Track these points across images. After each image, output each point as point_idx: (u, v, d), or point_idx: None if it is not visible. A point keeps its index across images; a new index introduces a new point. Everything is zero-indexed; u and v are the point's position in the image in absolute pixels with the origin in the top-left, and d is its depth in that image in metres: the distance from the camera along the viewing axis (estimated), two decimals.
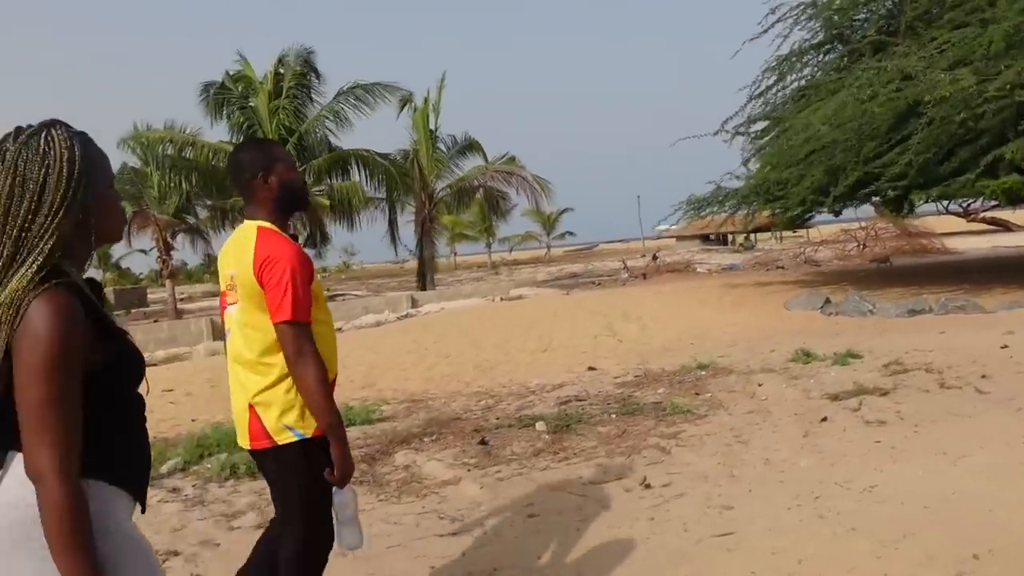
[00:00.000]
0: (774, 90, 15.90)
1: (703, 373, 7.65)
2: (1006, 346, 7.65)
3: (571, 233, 72.48)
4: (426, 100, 26.17)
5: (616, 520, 4.17)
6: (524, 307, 16.86)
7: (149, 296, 46.22)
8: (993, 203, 19.02)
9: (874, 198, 14.15)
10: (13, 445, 1.52)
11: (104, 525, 1.52)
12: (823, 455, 4.92)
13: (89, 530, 1.45)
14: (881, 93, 11.54)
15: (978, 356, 7.23)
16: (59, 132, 1.57)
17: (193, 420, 8.21)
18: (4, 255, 1.50)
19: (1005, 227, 37.53)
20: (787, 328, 11.70)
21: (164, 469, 5.75)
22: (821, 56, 17.24)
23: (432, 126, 26.27)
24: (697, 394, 6.77)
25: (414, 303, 20.47)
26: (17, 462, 1.52)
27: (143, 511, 1.72)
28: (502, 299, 19.27)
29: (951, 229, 42.00)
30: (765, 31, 16.50)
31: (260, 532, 4.38)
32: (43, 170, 1.52)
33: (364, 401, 7.97)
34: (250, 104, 22.95)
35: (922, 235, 29.34)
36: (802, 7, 16.25)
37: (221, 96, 22.59)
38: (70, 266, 1.58)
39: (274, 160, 2.64)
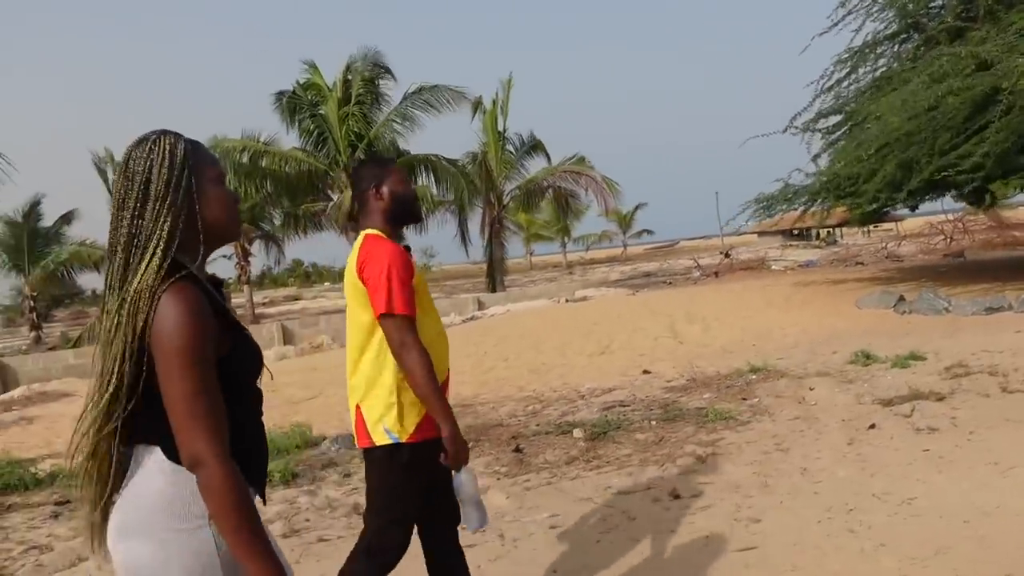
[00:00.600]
0: (845, 83, 15.32)
1: (754, 377, 7.42)
2: None
3: (648, 231, 71.43)
4: (495, 102, 26.23)
5: (638, 532, 4.06)
6: (587, 308, 16.70)
7: (233, 301, 47.51)
8: None
9: (953, 191, 13.50)
10: (151, 438, 1.57)
11: None
12: (864, 465, 4.70)
13: (253, 505, 1.52)
14: (955, 81, 11.00)
15: None
16: (167, 135, 1.66)
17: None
18: (123, 244, 1.58)
19: None
20: (855, 328, 11.29)
21: None
22: (896, 47, 16.56)
23: (500, 127, 26.31)
24: (744, 399, 6.56)
25: (480, 305, 20.51)
26: (145, 453, 1.58)
27: (264, 502, 1.76)
28: (567, 300, 19.13)
29: None
30: (835, 25, 15.93)
31: (284, 541, 4.45)
32: (147, 162, 1.60)
33: None
34: (320, 112, 23.36)
35: (1015, 227, 27.92)
36: None
37: (293, 104, 23.04)
38: (188, 262, 1.63)
39: (387, 174, 2.80)
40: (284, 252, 32.93)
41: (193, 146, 1.67)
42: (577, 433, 5.93)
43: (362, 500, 4.94)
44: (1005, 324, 9.80)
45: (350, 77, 23.60)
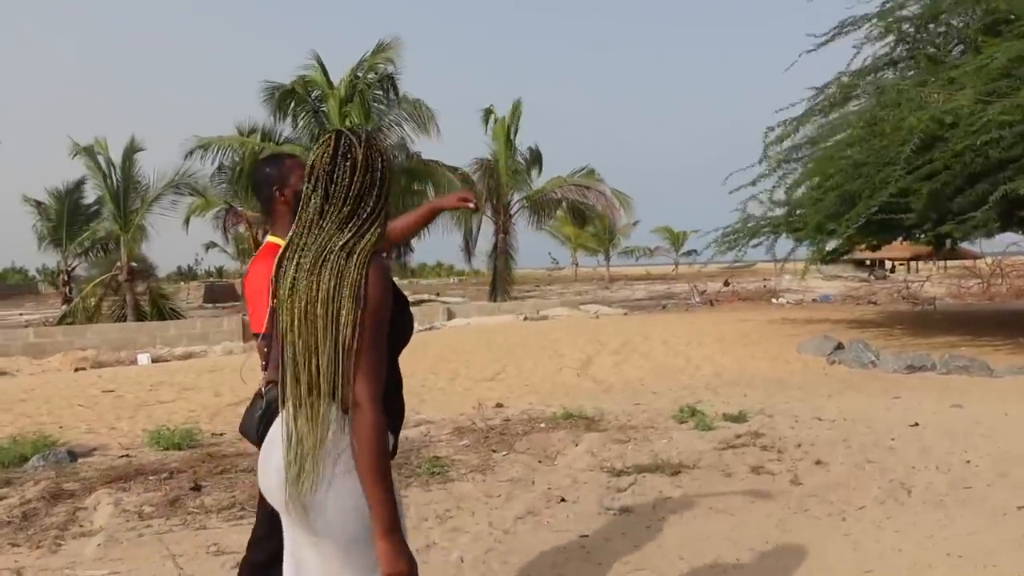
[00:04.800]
0: (820, 111, 14.15)
1: (543, 425, 6.76)
2: (916, 424, 6.35)
3: (695, 251, 69.18)
4: (513, 111, 25.73)
5: None
6: (533, 328, 16.09)
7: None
8: None
9: (913, 232, 12.38)
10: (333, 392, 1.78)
11: None
12: (489, 551, 4.05)
13: (388, 454, 1.77)
14: (881, 115, 10.07)
15: (856, 435, 6.06)
16: (376, 138, 1.99)
17: (61, 427, 8.06)
18: (357, 227, 1.84)
19: None
20: (768, 374, 10.48)
21: None
22: (896, 73, 15.37)
23: (512, 137, 25.80)
24: (493, 451, 5.93)
25: (450, 315, 20.02)
26: (330, 406, 1.79)
27: (394, 454, 1.97)
28: (525, 318, 18.50)
29: None
30: (823, 43, 14.72)
31: None
32: (382, 164, 1.90)
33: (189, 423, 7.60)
34: (322, 109, 23.22)
35: None
36: (871, 17, 14.44)
37: (289, 98, 22.85)
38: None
39: (289, 172, 2.70)
40: None
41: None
42: None
43: None
44: (903, 385, 8.93)
45: (359, 74, 23.38)
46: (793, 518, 4.37)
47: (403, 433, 6.59)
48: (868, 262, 54.44)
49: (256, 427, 2.07)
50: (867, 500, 4.61)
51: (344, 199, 1.86)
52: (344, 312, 1.75)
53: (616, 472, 5.24)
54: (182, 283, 54.94)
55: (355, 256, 1.80)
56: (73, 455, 6.15)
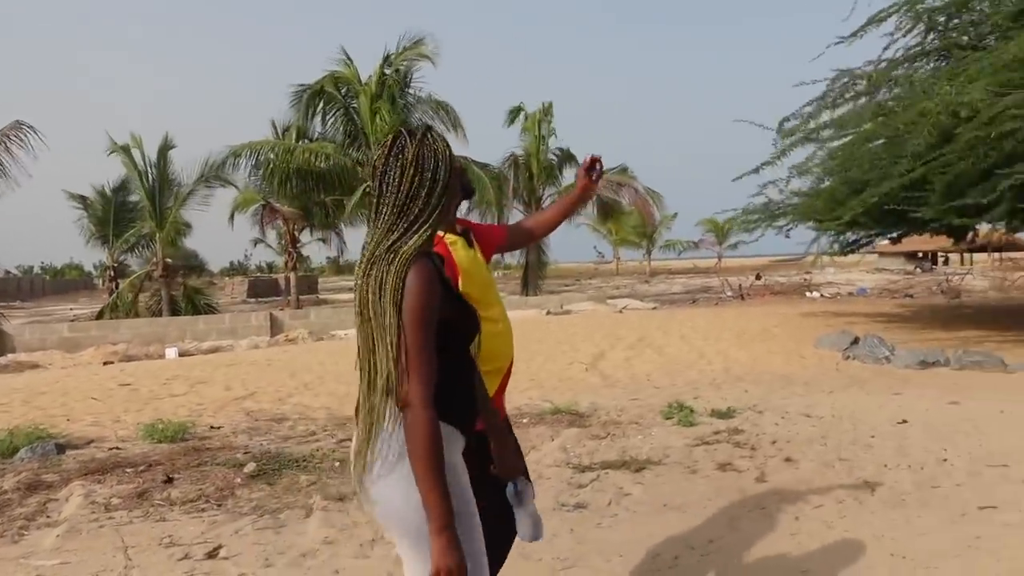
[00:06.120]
0: (847, 97, 13.72)
1: (525, 420, 6.75)
2: (904, 421, 6.21)
3: (744, 242, 68.16)
4: (542, 109, 25.70)
5: None
6: (554, 323, 16.03)
7: (322, 284, 48.87)
8: None
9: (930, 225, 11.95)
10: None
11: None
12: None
13: (441, 450, 1.78)
14: (893, 105, 9.82)
15: (837, 432, 5.95)
16: (435, 134, 1.98)
17: (68, 420, 8.27)
18: (405, 228, 1.88)
19: None
20: (776, 369, 10.37)
21: None
22: (930, 64, 14.90)
23: (542, 132, 25.77)
24: None
25: None
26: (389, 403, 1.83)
27: (470, 444, 2.00)
28: (548, 313, 18.44)
29: None
30: (854, 35, 14.26)
31: None
32: (435, 162, 1.92)
33: (182, 416, 7.74)
34: (353, 106, 23.38)
35: None
36: (898, 7, 13.99)
37: (318, 98, 23.03)
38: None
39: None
40: (345, 240, 33.19)
41: (449, 146, 1.99)
42: (250, 468, 5.49)
43: None
44: (911, 382, 8.77)
45: (387, 71, 23.49)
46: (747, 516, 4.31)
47: None
48: (920, 255, 53.18)
49: None
50: (826, 499, 4.52)
51: (394, 200, 1.89)
52: (387, 316, 1.79)
53: (581, 468, 5.22)
54: (226, 278, 55.87)
55: (397, 258, 1.83)
56: (61, 447, 6.29)
